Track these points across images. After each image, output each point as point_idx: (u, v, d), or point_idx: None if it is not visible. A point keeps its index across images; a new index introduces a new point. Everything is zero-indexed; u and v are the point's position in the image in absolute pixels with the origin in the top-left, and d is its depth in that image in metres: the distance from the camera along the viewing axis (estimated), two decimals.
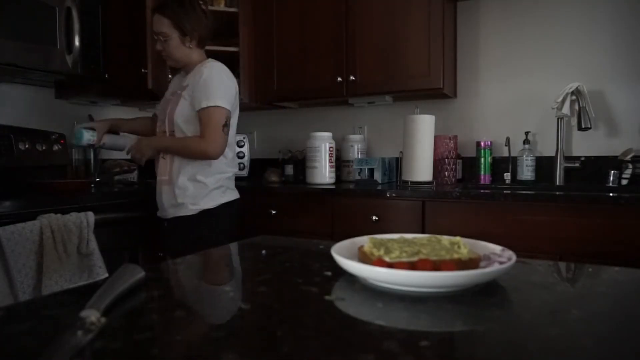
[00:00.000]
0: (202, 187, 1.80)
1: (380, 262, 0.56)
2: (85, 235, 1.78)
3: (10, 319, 0.48)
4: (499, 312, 0.50)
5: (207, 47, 1.94)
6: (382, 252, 0.59)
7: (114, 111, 2.76)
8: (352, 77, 2.46)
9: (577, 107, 2.18)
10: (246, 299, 0.53)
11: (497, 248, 0.65)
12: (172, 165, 1.81)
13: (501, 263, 0.58)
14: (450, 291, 0.55)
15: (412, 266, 0.56)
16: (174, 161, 1.82)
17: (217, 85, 1.75)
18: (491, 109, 2.53)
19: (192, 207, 1.79)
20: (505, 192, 1.88)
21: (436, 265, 0.55)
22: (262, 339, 0.44)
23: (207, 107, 1.73)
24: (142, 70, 2.40)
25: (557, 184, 2.27)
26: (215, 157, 1.75)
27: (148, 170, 2.84)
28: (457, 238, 0.65)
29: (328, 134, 2.48)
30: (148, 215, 2.12)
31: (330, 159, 2.44)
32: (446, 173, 2.40)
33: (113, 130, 2.06)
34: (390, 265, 0.56)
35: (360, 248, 0.65)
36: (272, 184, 2.55)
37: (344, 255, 0.59)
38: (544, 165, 2.37)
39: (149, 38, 2.33)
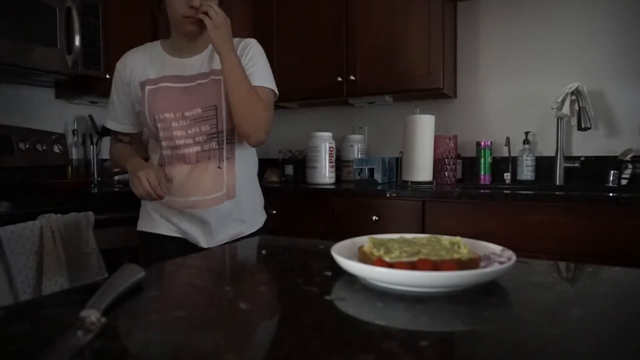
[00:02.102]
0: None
1: (380, 262, 0.56)
2: (85, 235, 1.78)
3: (10, 319, 0.48)
4: (499, 312, 0.50)
5: None
6: (382, 252, 0.59)
7: None
8: (352, 77, 2.46)
9: (577, 107, 2.18)
10: (246, 299, 0.53)
11: (497, 248, 0.65)
12: (232, 173, 1.37)
13: (501, 263, 0.58)
14: (450, 291, 0.55)
15: (412, 266, 0.56)
16: (237, 164, 1.38)
17: (267, 65, 1.40)
18: (491, 109, 2.53)
19: (253, 224, 1.46)
20: (505, 192, 1.88)
21: (436, 265, 0.55)
22: (262, 339, 0.44)
23: (263, 87, 1.34)
24: None
25: (557, 184, 2.27)
26: (256, 146, 1.38)
27: None
28: (457, 238, 0.65)
29: (328, 134, 2.48)
30: None
31: (330, 159, 2.44)
32: (446, 173, 2.40)
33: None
34: (390, 265, 0.56)
35: (360, 248, 0.65)
36: (272, 184, 2.55)
37: (344, 255, 0.59)
38: (544, 165, 2.37)
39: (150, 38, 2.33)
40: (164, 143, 1.35)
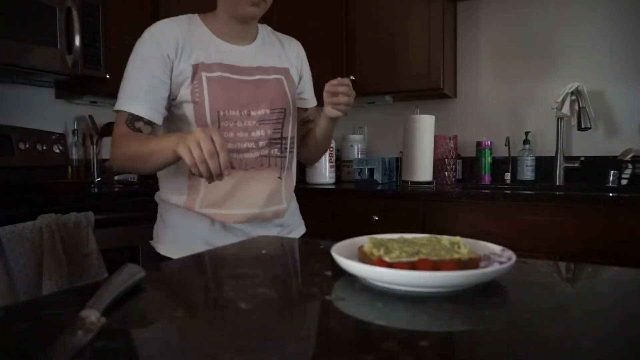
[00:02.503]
0: None
1: (380, 262, 0.56)
2: (85, 235, 1.78)
3: (10, 319, 0.48)
4: (499, 312, 0.50)
5: None
6: (382, 252, 0.59)
7: None
8: (352, 77, 2.46)
9: (577, 107, 2.18)
10: (246, 299, 0.53)
11: (497, 248, 0.65)
12: (290, 183, 1.26)
13: (501, 263, 0.58)
14: (450, 291, 0.55)
15: (412, 266, 0.56)
16: (293, 175, 1.27)
17: None
18: (491, 109, 2.53)
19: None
20: (505, 192, 1.88)
21: (436, 265, 0.55)
22: (262, 339, 0.44)
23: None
24: None
25: (557, 184, 2.27)
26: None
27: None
28: (457, 238, 0.65)
29: None
30: (148, 215, 2.12)
31: (330, 159, 2.44)
32: (446, 173, 2.40)
33: None
34: (390, 265, 0.56)
35: (360, 248, 0.65)
36: None
37: (344, 255, 0.59)
38: (544, 165, 2.37)
39: None
40: None
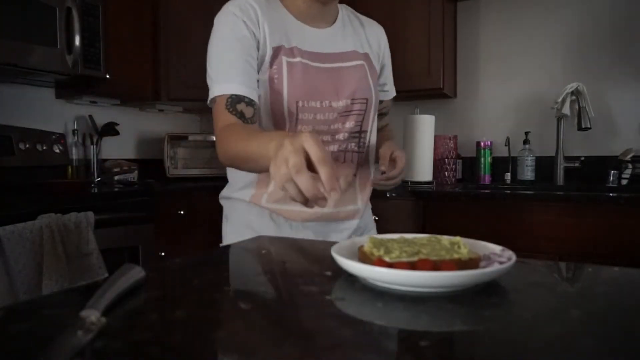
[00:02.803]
0: None
1: (380, 262, 0.56)
2: (85, 235, 1.78)
3: (10, 319, 0.48)
4: (499, 312, 0.50)
5: None
6: (382, 252, 0.59)
7: (114, 111, 2.76)
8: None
9: (577, 107, 2.18)
10: (246, 299, 0.53)
11: (497, 248, 0.65)
12: (365, 182, 1.15)
13: (501, 263, 0.58)
14: (450, 291, 0.55)
15: (412, 266, 0.56)
16: (367, 173, 1.15)
17: None
18: (491, 109, 2.53)
19: None
20: (505, 192, 1.88)
21: (436, 265, 0.55)
22: (262, 339, 0.44)
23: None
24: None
25: (557, 184, 2.27)
26: None
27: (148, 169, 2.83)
28: (457, 238, 0.65)
29: None
30: (148, 215, 2.12)
31: None
32: (446, 173, 2.40)
33: None
34: (390, 265, 0.56)
35: (361, 248, 0.65)
36: None
37: (344, 255, 0.59)
38: (544, 165, 2.37)
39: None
40: None
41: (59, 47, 2.05)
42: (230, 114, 0.93)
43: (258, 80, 0.97)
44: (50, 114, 2.47)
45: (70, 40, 2.08)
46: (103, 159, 2.62)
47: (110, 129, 2.60)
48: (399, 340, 0.42)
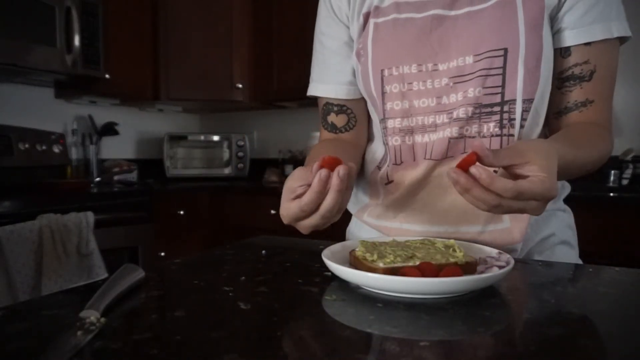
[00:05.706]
0: None
1: (385, 270, 0.54)
2: (85, 235, 1.78)
3: (10, 319, 0.48)
4: (499, 312, 0.50)
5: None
6: (375, 257, 0.57)
7: (114, 111, 2.76)
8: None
9: None
10: (246, 299, 0.53)
11: (493, 251, 0.63)
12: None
13: (500, 267, 0.56)
14: (454, 295, 0.54)
15: (417, 270, 0.54)
16: None
17: None
18: None
19: None
20: None
21: (439, 270, 0.54)
22: (262, 339, 0.44)
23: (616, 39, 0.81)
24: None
25: None
26: None
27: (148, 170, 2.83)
28: (452, 241, 0.63)
29: None
30: (147, 215, 2.12)
31: None
32: None
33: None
34: (392, 272, 0.54)
35: (352, 252, 0.63)
36: (272, 184, 2.55)
37: (335, 261, 0.57)
38: None
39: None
40: (390, 123, 0.76)
41: (58, 46, 2.05)
42: (324, 130, 0.87)
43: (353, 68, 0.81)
44: (50, 113, 2.47)
45: (70, 40, 2.08)
46: (102, 159, 2.62)
47: (109, 129, 2.60)
48: (399, 340, 0.42)
